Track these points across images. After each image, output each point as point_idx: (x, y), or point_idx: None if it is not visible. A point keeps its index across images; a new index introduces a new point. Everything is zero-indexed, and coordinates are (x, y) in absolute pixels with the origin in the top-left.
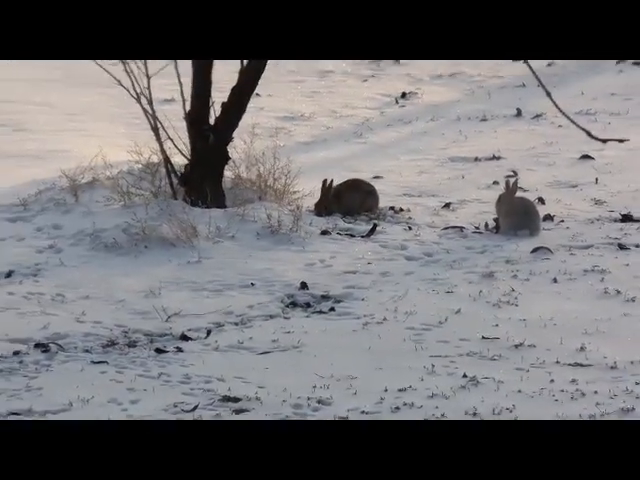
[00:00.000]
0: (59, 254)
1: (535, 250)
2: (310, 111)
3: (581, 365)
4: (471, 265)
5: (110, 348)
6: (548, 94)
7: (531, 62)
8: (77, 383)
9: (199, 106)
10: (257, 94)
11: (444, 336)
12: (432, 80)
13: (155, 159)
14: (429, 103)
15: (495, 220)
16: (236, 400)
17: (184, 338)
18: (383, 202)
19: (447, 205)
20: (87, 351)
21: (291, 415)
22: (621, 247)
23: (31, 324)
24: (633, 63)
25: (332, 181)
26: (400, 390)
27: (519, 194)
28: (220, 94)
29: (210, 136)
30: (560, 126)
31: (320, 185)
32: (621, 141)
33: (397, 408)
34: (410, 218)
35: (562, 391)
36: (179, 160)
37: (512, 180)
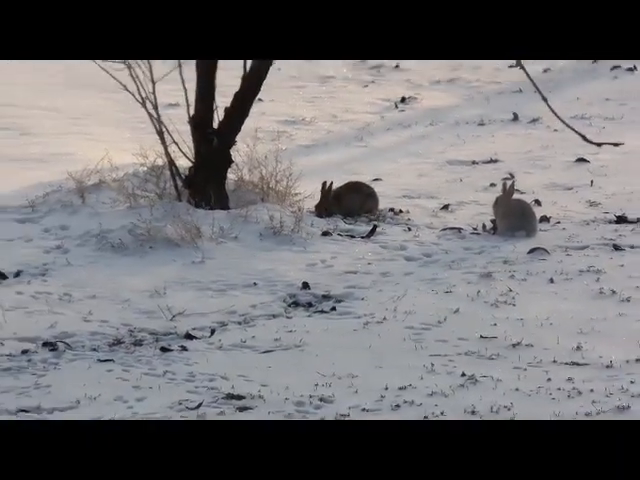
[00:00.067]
0: (66, 254)
1: (532, 251)
2: (311, 115)
3: (577, 364)
4: (469, 265)
5: (116, 347)
6: (544, 99)
7: (528, 68)
8: (84, 381)
9: (203, 111)
10: (260, 99)
11: (443, 335)
12: (431, 85)
13: (160, 162)
14: (428, 108)
15: (493, 221)
16: (239, 398)
17: (188, 337)
18: (383, 204)
19: (446, 207)
20: (94, 350)
21: (293, 412)
22: (616, 248)
23: (39, 323)
24: (627, 69)
25: (332, 183)
26: (400, 388)
27: (516, 196)
28: (224, 99)
29: (214, 140)
30: (556, 130)
31: (320, 187)
32: (616, 145)
33: (397, 406)
34: (409, 219)
35: (559, 389)
36: (183, 163)
37: (509, 182)
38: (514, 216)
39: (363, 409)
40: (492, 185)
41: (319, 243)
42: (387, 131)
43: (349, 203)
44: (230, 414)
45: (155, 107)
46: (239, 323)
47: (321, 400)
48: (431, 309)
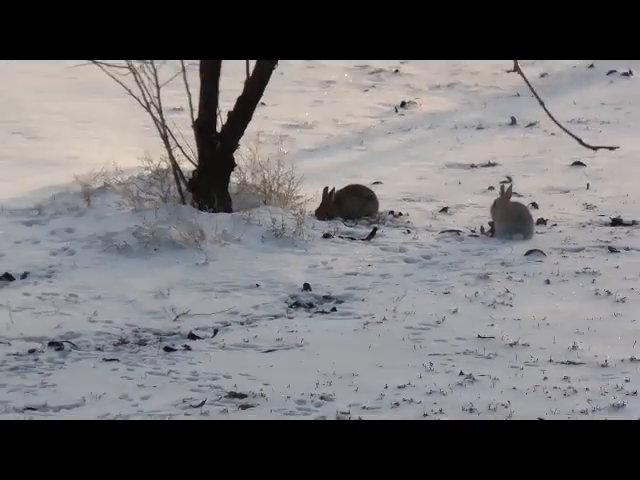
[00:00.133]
0: (72, 256)
1: (529, 253)
2: (313, 120)
3: (573, 363)
4: (467, 267)
5: (121, 346)
6: (542, 103)
7: (525, 73)
8: (90, 380)
9: (207, 115)
10: (262, 103)
11: (442, 335)
12: (430, 90)
13: (164, 165)
14: (427, 112)
15: (490, 224)
16: (242, 396)
17: (192, 337)
18: (383, 207)
19: (444, 209)
20: (99, 349)
21: (295, 410)
22: (611, 250)
23: (45, 323)
24: (623, 74)
25: (334, 189)
26: (400, 387)
27: (513, 199)
28: (227, 103)
29: (217, 143)
30: (553, 134)
31: (322, 192)
32: (611, 148)
33: (397, 404)
34: (409, 222)
35: (555, 388)
36: (187, 166)
37: (507, 186)
38: (512, 219)
39: (363, 407)
40: (490, 188)
41: (320, 245)
42: (387, 135)
43: (349, 206)
44: (233, 412)
45: (160, 111)
46: (242, 323)
47: (322, 398)
48: (430, 310)
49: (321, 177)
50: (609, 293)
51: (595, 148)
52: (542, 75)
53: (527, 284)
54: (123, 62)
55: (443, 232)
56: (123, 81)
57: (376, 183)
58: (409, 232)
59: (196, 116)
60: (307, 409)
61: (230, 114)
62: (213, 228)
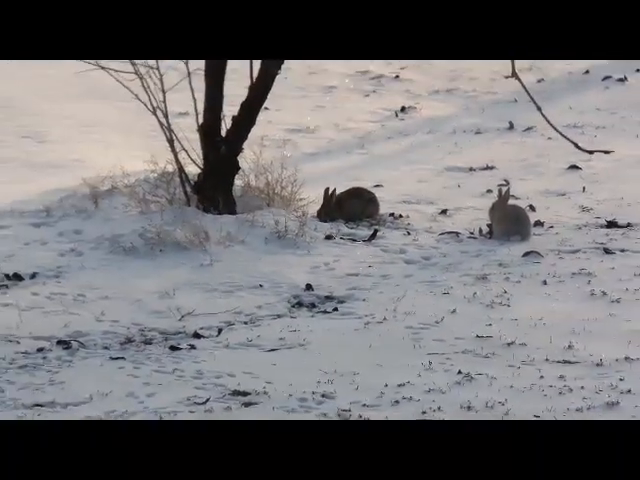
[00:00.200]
0: (80, 257)
1: (526, 254)
2: (315, 124)
3: (569, 362)
4: (466, 268)
5: (127, 345)
6: (538, 108)
7: (522, 78)
8: (97, 378)
9: (212, 119)
10: (266, 108)
11: (441, 335)
12: (430, 95)
13: (170, 169)
14: (427, 117)
15: (489, 226)
16: (245, 394)
17: (197, 336)
18: (383, 209)
19: (444, 212)
20: (106, 348)
21: (297, 408)
22: (607, 251)
23: (54, 323)
24: (618, 80)
25: (334, 190)
26: (399, 385)
27: (511, 202)
28: (231, 108)
29: (222, 147)
30: (550, 138)
31: (323, 193)
32: (607, 152)
33: (396, 402)
34: (409, 224)
35: (551, 386)
36: (192, 169)
37: (504, 189)
38: (509, 221)
39: (364, 405)
40: (488, 191)
41: (322, 247)
42: (387, 139)
43: (351, 208)
44: (236, 409)
45: (165, 116)
46: (245, 323)
47: (323, 396)
48: (429, 310)
49: (323, 180)
50: (604, 294)
51: (591, 152)
52: (539, 81)
53: (524, 285)
54: (130, 68)
55: (442, 234)
56: (130, 86)
57: (377, 186)
58: (409, 234)
59: (201, 120)
60: (309, 407)
61: (234, 118)
62: (218, 230)
